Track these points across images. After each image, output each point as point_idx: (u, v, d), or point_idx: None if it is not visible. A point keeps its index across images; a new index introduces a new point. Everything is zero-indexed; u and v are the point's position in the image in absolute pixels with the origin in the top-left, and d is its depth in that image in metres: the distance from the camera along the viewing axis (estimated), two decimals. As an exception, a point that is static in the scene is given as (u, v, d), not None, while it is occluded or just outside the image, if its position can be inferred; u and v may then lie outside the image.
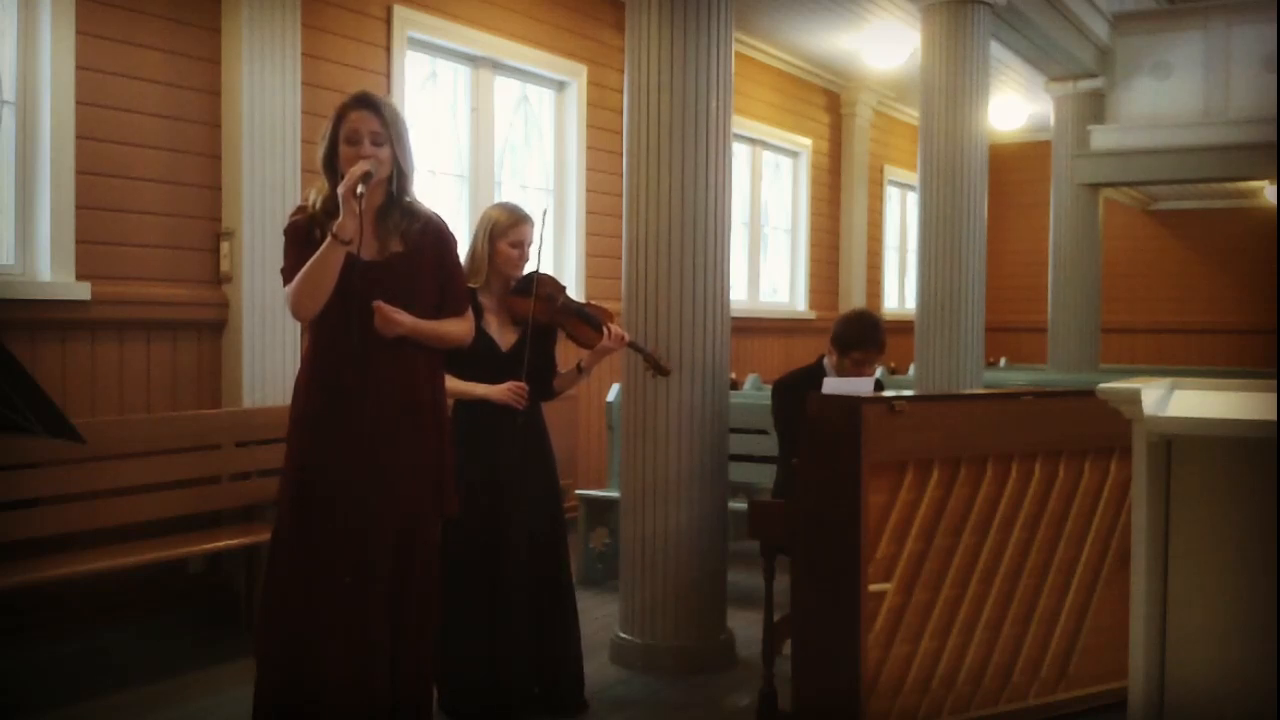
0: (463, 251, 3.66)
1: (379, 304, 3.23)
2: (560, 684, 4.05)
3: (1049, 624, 4.00)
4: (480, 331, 3.95)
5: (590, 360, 4.13)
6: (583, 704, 4.14)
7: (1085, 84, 10.46)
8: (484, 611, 3.90)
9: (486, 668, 3.90)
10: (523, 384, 3.92)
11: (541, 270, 4.14)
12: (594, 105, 7.65)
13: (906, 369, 9.85)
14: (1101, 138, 10.49)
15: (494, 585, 3.91)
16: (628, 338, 4.18)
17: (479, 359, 3.95)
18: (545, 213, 4.24)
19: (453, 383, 3.96)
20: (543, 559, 4.01)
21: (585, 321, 4.10)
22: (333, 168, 3.31)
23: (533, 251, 4.08)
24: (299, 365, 3.47)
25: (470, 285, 3.98)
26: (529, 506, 3.97)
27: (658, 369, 4.27)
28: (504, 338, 4.02)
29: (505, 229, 4.01)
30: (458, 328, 3.47)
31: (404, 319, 3.27)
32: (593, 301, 4.50)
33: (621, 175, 4.82)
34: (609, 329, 4.07)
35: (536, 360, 3.99)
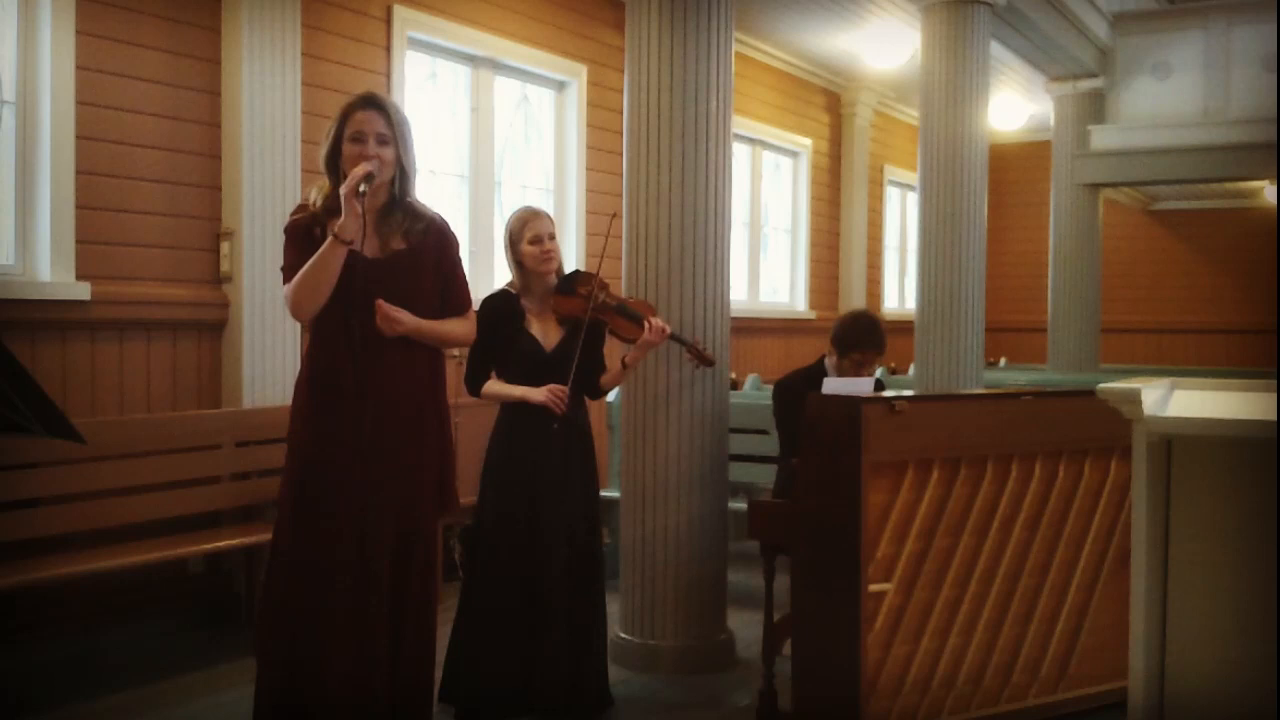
0: (465, 253, 3.67)
1: (380, 302, 3.23)
2: (587, 683, 4.05)
3: (1049, 624, 4.00)
4: (524, 333, 3.99)
5: (633, 356, 4.11)
6: (606, 702, 4.15)
7: (1085, 84, 10.46)
8: (517, 610, 3.91)
9: (516, 666, 3.90)
10: (563, 387, 3.91)
11: (583, 270, 4.17)
12: (594, 105, 7.65)
13: (906, 369, 9.85)
14: (1101, 138, 10.49)
15: (527, 584, 3.91)
16: (669, 330, 4.17)
17: (524, 360, 3.97)
18: (615, 216, 4.32)
19: (492, 385, 4.01)
20: (577, 560, 4.01)
21: (626, 316, 4.09)
22: (335, 167, 3.31)
23: (595, 251, 4.11)
24: (299, 365, 3.47)
25: (511, 291, 4.03)
26: (565, 507, 3.97)
27: (701, 359, 4.26)
28: (548, 338, 4.03)
29: (520, 230, 4.05)
30: (459, 328, 3.48)
31: (405, 317, 3.27)
32: (633, 296, 4.49)
33: (621, 175, 4.82)
34: (650, 322, 4.06)
35: (582, 359, 3.98)
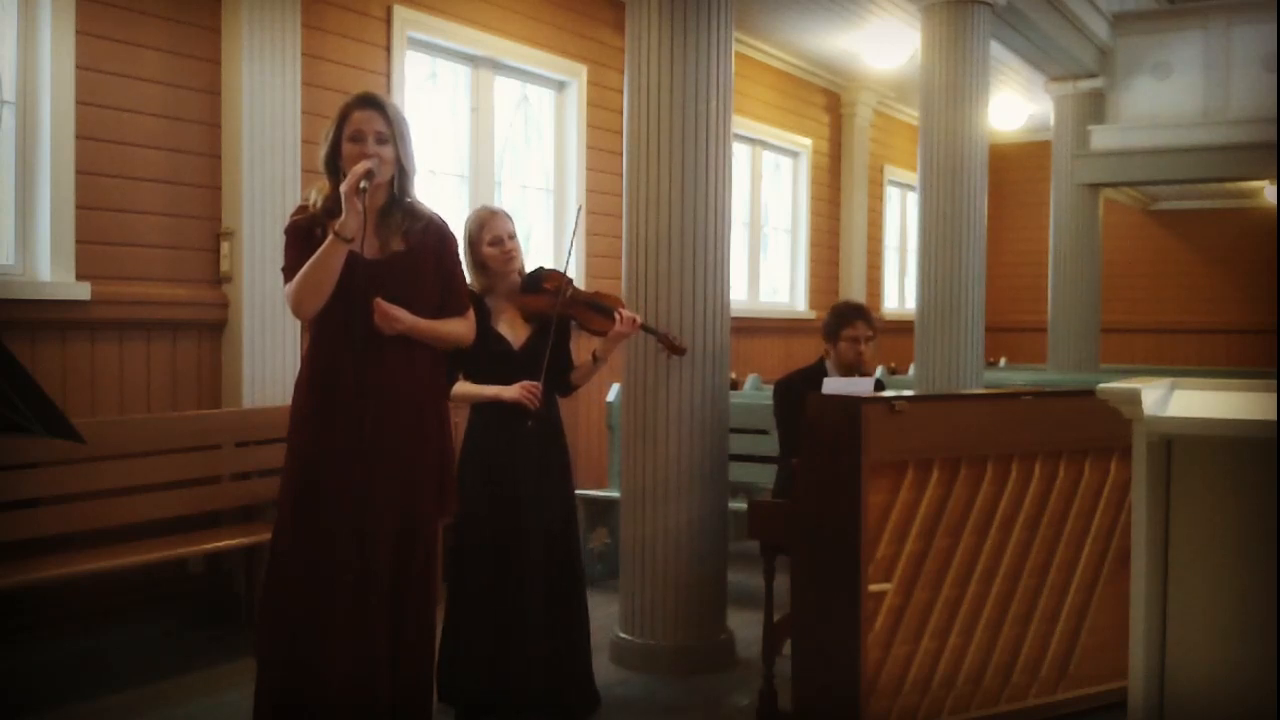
0: (464, 253, 3.67)
1: (378, 301, 3.23)
2: (572, 683, 4.05)
3: (1049, 624, 4.00)
4: (493, 333, 3.97)
5: (605, 348, 4.11)
6: (594, 701, 4.15)
7: (1085, 84, 10.46)
8: (498, 611, 3.91)
9: (499, 667, 3.90)
10: (536, 384, 3.91)
11: (548, 266, 4.18)
12: (594, 105, 7.65)
13: (906, 369, 9.85)
14: (1101, 138, 10.49)
15: (508, 585, 3.90)
16: (640, 320, 4.18)
17: (494, 359, 3.96)
18: (580, 209, 4.29)
19: (464, 386, 3.98)
20: (556, 558, 4.01)
21: (596, 310, 4.10)
22: (335, 167, 3.31)
23: (563, 246, 4.10)
24: (299, 365, 3.47)
25: (477, 291, 4.01)
26: (544, 506, 3.97)
27: (672, 348, 4.28)
28: (516, 336, 4.02)
29: (479, 233, 4.03)
30: (459, 327, 3.48)
31: (403, 316, 3.27)
32: (600, 290, 4.51)
33: (621, 175, 4.82)
34: (620, 314, 4.07)
35: (552, 355, 3.98)
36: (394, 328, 3.26)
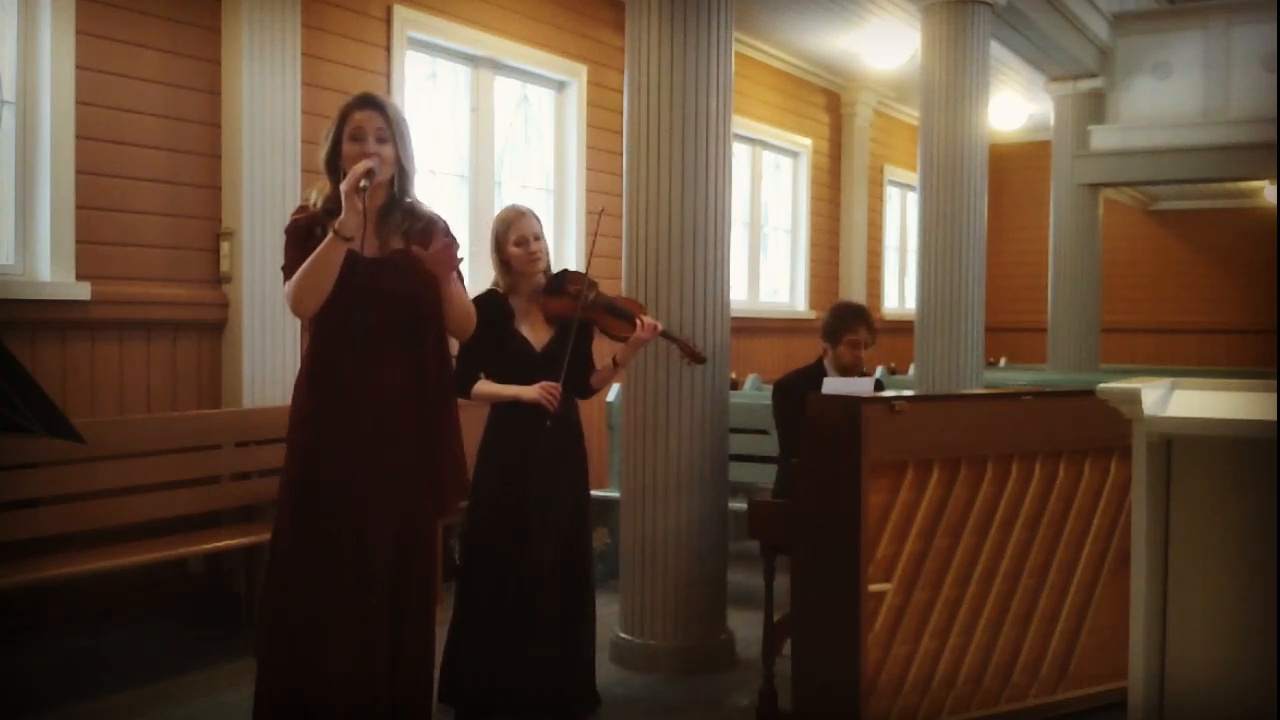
0: (465, 254, 3.67)
1: (417, 249, 3.25)
2: (573, 683, 4.05)
3: (1049, 624, 4.00)
4: (514, 333, 3.98)
5: (625, 353, 4.12)
6: (594, 701, 4.16)
7: (1085, 84, 10.47)
8: (503, 611, 3.90)
9: (502, 667, 3.90)
10: (556, 385, 3.90)
11: (571, 269, 4.19)
12: (594, 105, 7.65)
13: (906, 369, 9.85)
14: (1101, 138, 10.49)
15: (514, 585, 3.90)
16: (660, 327, 4.17)
17: (515, 360, 3.96)
18: (601, 212, 4.31)
19: (485, 385, 3.98)
20: (564, 559, 4.00)
21: (617, 315, 4.09)
22: (335, 167, 3.31)
23: (562, 246, 4.08)
24: (299, 365, 3.47)
25: (501, 290, 4.02)
26: (554, 507, 3.96)
27: (693, 356, 4.28)
28: (537, 338, 4.02)
29: (505, 232, 4.02)
30: (471, 307, 3.49)
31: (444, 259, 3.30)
32: (622, 294, 4.50)
33: (621, 175, 4.82)
34: (641, 320, 4.07)
35: (572, 358, 3.97)
36: (449, 269, 3.28)
